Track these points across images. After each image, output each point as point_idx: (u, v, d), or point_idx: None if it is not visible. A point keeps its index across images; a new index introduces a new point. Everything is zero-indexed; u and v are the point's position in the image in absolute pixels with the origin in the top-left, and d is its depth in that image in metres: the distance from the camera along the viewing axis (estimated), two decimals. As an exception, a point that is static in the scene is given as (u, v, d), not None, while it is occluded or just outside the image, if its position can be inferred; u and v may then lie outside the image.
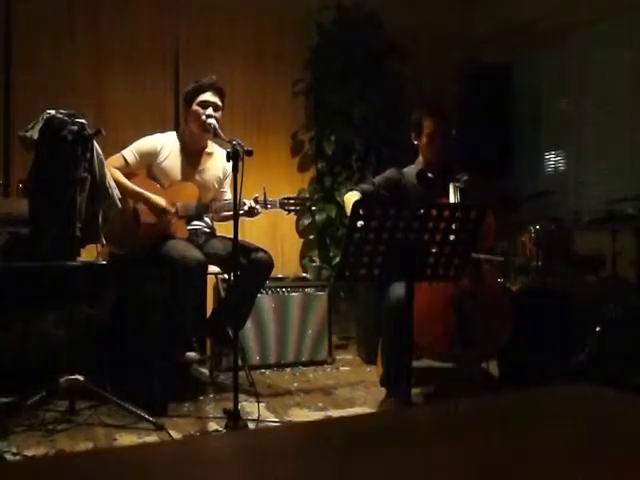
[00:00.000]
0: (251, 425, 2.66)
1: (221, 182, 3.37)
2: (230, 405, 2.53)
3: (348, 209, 2.97)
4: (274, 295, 3.89)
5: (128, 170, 3.15)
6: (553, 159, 4.98)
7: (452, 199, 2.98)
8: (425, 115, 3.12)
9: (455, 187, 3.01)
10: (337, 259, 4.61)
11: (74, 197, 2.56)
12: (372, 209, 2.04)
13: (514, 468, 0.72)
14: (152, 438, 2.57)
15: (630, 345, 3.15)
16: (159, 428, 2.63)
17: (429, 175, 3.17)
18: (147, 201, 3.10)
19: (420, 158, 3.22)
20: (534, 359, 3.12)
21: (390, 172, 3.23)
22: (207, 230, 3.34)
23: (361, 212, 2.02)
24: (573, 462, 0.74)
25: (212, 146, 3.35)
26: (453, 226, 2.14)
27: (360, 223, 2.02)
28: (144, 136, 3.25)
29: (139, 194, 3.10)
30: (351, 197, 3.05)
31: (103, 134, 2.69)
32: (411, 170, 3.22)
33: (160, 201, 3.10)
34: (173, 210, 3.10)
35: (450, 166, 3.16)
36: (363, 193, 3.08)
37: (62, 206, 2.56)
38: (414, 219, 2.07)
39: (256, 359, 3.80)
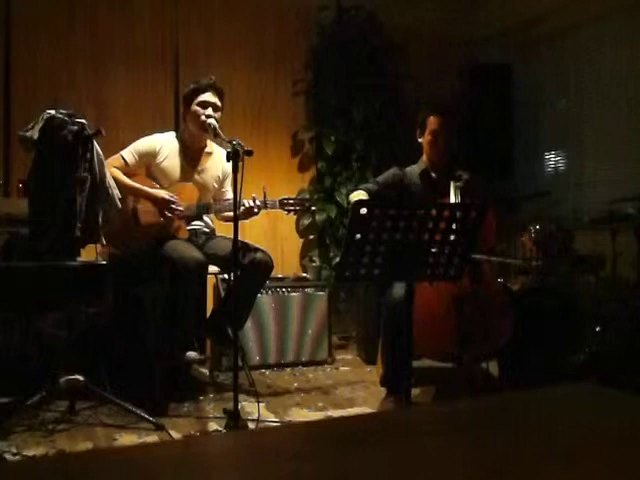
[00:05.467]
0: (251, 425, 2.66)
1: (221, 182, 3.37)
2: (230, 405, 2.53)
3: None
4: (274, 295, 3.89)
5: (127, 170, 3.14)
6: (553, 159, 4.98)
7: (453, 199, 2.98)
8: (430, 114, 3.13)
9: (456, 187, 3.01)
10: (337, 259, 4.60)
11: (74, 197, 2.56)
12: (372, 209, 2.04)
13: (514, 468, 0.72)
14: (152, 438, 2.57)
15: (630, 345, 3.15)
16: (159, 428, 2.63)
17: (432, 175, 3.17)
18: (148, 196, 3.09)
19: (424, 157, 3.22)
20: (534, 359, 3.12)
21: (393, 171, 3.23)
22: (207, 230, 3.34)
23: (361, 212, 2.02)
24: (573, 462, 0.74)
25: (211, 146, 3.35)
26: (453, 226, 2.14)
27: (360, 222, 2.02)
28: (144, 136, 3.25)
29: (139, 190, 3.10)
30: (357, 196, 3.06)
31: (103, 134, 2.69)
32: (414, 169, 3.21)
33: (162, 194, 3.09)
34: (175, 198, 3.09)
35: (453, 166, 3.16)
36: (368, 192, 3.09)
37: (62, 206, 2.56)
38: (414, 219, 2.07)
39: (256, 359, 3.80)
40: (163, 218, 3.09)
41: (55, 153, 2.57)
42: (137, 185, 3.10)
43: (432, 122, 3.12)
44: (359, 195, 3.06)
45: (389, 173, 3.23)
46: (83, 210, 2.58)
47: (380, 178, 3.22)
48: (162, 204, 3.08)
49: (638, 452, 0.77)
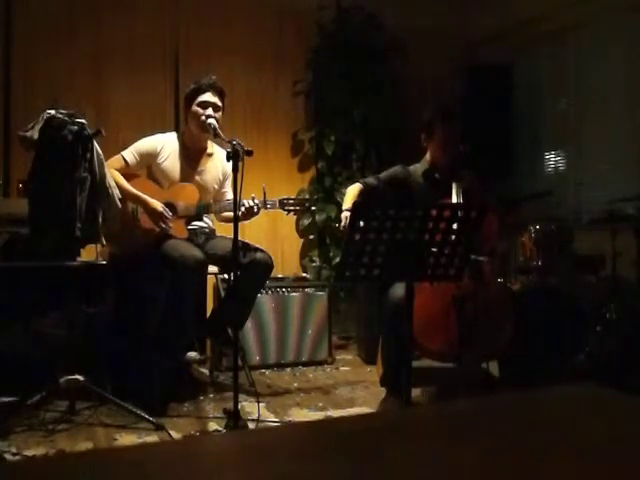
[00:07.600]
0: (251, 425, 2.66)
1: (221, 183, 3.36)
2: (230, 405, 2.53)
3: (346, 202, 2.98)
4: (274, 295, 3.89)
5: (128, 171, 3.14)
6: (553, 159, 4.97)
7: (455, 199, 2.98)
8: (437, 120, 3.09)
9: (458, 187, 3.01)
10: (337, 259, 4.61)
11: (74, 197, 2.56)
12: (372, 209, 2.04)
13: (514, 468, 0.72)
14: (152, 438, 2.57)
15: (630, 345, 3.15)
16: (159, 428, 2.63)
17: (436, 175, 3.16)
18: (144, 205, 3.09)
19: (427, 157, 3.21)
20: (534, 359, 3.12)
21: (396, 169, 3.22)
22: (207, 230, 3.33)
23: (361, 212, 2.02)
24: (573, 462, 0.74)
25: (212, 147, 3.35)
26: (454, 226, 2.13)
27: (361, 223, 2.02)
28: (144, 136, 3.24)
29: (137, 197, 3.08)
30: (353, 190, 3.07)
31: (103, 134, 2.69)
32: (417, 169, 3.20)
33: (157, 205, 3.08)
34: (170, 215, 3.09)
35: (455, 166, 3.15)
36: (366, 186, 3.09)
37: (62, 206, 2.56)
38: (414, 219, 2.07)
39: (256, 359, 3.80)
40: (157, 228, 3.09)
41: (55, 153, 2.57)
42: (134, 191, 3.09)
43: (439, 129, 3.09)
44: (355, 189, 3.07)
45: (393, 170, 3.22)
46: (83, 210, 2.58)
47: (382, 174, 3.21)
48: (154, 215, 3.08)
49: (638, 452, 0.77)
